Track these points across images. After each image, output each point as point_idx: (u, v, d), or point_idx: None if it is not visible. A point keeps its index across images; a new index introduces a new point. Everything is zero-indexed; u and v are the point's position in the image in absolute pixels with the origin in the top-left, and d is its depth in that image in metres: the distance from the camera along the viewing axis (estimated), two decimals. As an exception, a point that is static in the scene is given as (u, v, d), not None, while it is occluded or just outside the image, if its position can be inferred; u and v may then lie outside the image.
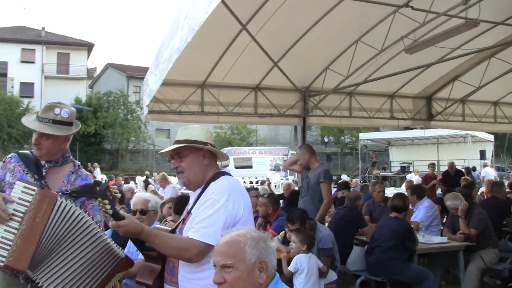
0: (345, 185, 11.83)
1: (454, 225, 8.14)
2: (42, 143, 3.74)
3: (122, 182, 20.34)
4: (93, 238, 3.47)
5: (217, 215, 3.16)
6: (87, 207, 3.79)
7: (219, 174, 3.42)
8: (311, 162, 8.11)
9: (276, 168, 40.39)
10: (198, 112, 10.85)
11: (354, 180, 22.26)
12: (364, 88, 12.08)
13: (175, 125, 46.39)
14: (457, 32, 8.07)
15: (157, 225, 5.08)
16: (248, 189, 9.60)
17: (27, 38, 56.00)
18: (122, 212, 3.39)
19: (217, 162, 3.56)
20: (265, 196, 8.08)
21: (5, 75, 54.26)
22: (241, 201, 3.30)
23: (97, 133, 44.41)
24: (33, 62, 55.19)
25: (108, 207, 3.05)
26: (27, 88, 53.23)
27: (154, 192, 12.25)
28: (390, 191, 16.33)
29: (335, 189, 12.17)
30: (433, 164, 18.87)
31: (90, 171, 17.34)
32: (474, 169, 25.12)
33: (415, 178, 23.84)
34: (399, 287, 7.22)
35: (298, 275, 5.97)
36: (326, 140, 55.00)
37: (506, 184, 13.46)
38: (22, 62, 54.80)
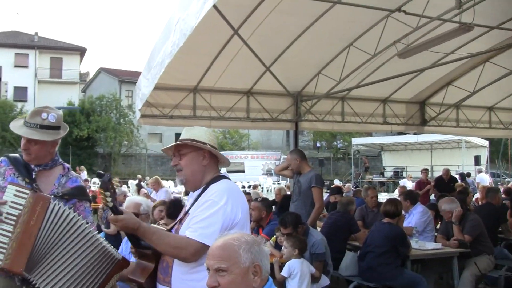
0: (338, 190, 11.82)
1: (448, 231, 8.06)
2: (30, 148, 3.75)
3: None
4: (88, 240, 3.50)
5: (216, 216, 3.16)
6: (79, 208, 3.82)
7: (220, 177, 3.43)
8: (302, 167, 8.06)
9: (268, 173, 40.34)
10: (191, 117, 10.80)
11: (347, 185, 22.25)
12: (356, 93, 12.03)
13: (167, 129, 46.48)
14: (451, 36, 8.04)
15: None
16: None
17: (20, 42, 56.06)
18: None
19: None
20: (258, 200, 8.07)
21: (-1, 79, 54.26)
22: (240, 205, 3.30)
23: (90, 137, 44.33)
24: (26, 67, 55.25)
25: (109, 199, 3.06)
26: (20, 92, 53.24)
27: (147, 196, 12.24)
28: (383, 197, 16.32)
29: (327, 194, 12.14)
30: (426, 169, 18.82)
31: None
32: (468, 175, 25.07)
33: (408, 184, 23.83)
34: (391, 293, 7.18)
35: (290, 280, 5.97)
36: (318, 145, 54.95)
37: (501, 190, 13.44)
38: (15, 66, 54.88)
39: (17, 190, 3.49)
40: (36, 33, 59.50)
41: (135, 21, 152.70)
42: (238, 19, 8.25)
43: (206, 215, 3.17)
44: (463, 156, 30.93)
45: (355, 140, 40.17)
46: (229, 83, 10.78)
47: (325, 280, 6.51)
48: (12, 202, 3.45)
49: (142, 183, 23.17)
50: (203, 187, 3.39)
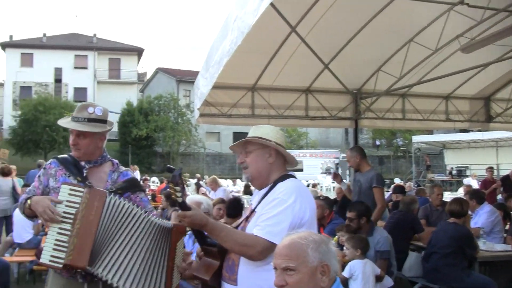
0: (400, 189, 11.66)
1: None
2: (79, 143, 3.79)
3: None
4: (145, 225, 3.55)
5: (284, 214, 3.12)
6: (135, 200, 3.84)
7: (287, 176, 3.39)
8: (361, 165, 8.01)
9: (327, 171, 40.11)
10: (249, 115, 10.81)
11: (408, 184, 21.86)
12: (417, 89, 11.78)
13: (225, 128, 46.84)
14: (518, 29, 7.74)
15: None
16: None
17: (79, 44, 57.82)
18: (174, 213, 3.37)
19: None
20: (321, 198, 8.03)
21: (60, 80, 56.12)
22: (308, 204, 3.24)
23: (149, 137, 45.13)
24: (85, 68, 56.90)
25: (179, 194, 3.04)
26: (80, 93, 54.80)
27: (205, 195, 12.31)
28: (446, 196, 15.91)
29: (388, 192, 11.96)
30: (492, 168, 18.20)
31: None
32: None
33: (472, 183, 23.15)
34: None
35: (353, 281, 5.88)
36: (378, 143, 54.45)
37: None
38: (75, 68, 56.65)
39: (71, 189, 3.53)
40: (95, 35, 61.27)
41: (192, 20, 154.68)
42: (295, 17, 8.17)
43: (274, 213, 3.12)
44: (532, 154, 29.80)
45: (415, 138, 39.31)
46: (288, 81, 10.69)
47: (388, 281, 6.36)
48: (67, 201, 3.49)
49: (200, 182, 23.35)
50: (270, 185, 3.35)
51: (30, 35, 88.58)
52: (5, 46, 56.81)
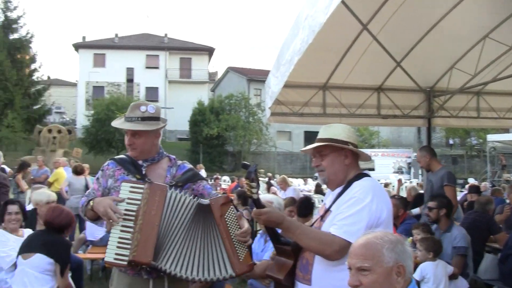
0: (476, 189, 11.41)
1: None
2: (135, 143, 3.78)
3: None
4: (196, 211, 3.58)
5: (361, 214, 3.08)
6: (198, 189, 3.87)
7: (362, 174, 3.35)
8: (432, 164, 7.91)
9: (399, 171, 39.48)
10: (320, 114, 10.77)
11: (483, 184, 21.26)
12: (493, 87, 11.40)
13: (296, 127, 46.85)
14: None
15: None
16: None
17: (151, 44, 59.00)
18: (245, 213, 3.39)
19: None
20: (396, 197, 7.97)
21: (132, 80, 57.51)
22: (384, 203, 3.21)
23: (220, 136, 45.60)
24: (157, 68, 58.00)
25: (254, 191, 3.04)
26: (152, 93, 56.03)
27: (276, 194, 12.35)
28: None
29: (461, 192, 11.72)
30: None
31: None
32: None
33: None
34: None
35: (424, 283, 5.80)
36: (451, 142, 53.18)
37: None
38: (147, 67, 57.89)
39: (131, 187, 3.57)
40: (166, 35, 62.38)
41: (263, 19, 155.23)
42: (366, 14, 8.09)
43: (351, 212, 3.09)
44: None
45: (490, 137, 38.12)
46: (359, 80, 10.58)
47: (463, 284, 6.24)
48: (129, 198, 3.53)
49: (271, 181, 23.39)
50: (344, 184, 3.32)
51: (102, 35, 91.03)
52: (78, 47, 58.71)
